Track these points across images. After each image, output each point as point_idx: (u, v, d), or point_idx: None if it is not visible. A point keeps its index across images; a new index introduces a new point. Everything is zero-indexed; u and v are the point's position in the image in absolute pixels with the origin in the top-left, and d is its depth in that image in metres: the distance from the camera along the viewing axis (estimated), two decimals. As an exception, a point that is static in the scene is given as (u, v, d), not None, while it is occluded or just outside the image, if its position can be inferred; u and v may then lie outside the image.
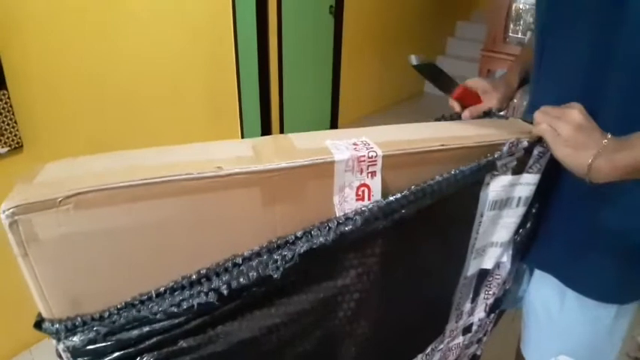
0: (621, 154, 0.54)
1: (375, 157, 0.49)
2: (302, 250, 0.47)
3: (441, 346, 0.70)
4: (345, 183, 0.49)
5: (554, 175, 0.62)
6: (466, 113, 0.75)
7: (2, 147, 1.43)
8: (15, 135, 1.45)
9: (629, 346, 1.77)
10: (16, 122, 1.44)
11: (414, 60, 0.70)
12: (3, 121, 1.41)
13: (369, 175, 0.49)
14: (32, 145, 1.48)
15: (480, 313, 0.73)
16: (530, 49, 0.82)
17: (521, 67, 0.85)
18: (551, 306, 0.75)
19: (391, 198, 0.52)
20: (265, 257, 0.48)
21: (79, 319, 0.47)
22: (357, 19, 3.15)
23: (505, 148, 0.56)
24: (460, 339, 0.73)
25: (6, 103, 1.40)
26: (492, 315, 0.78)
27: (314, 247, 0.48)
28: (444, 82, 0.76)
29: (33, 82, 1.46)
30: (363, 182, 0.50)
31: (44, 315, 0.48)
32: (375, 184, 0.50)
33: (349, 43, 3.08)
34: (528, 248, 0.70)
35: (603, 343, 0.74)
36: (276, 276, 0.47)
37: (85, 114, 1.57)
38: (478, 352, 0.87)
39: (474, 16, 4.53)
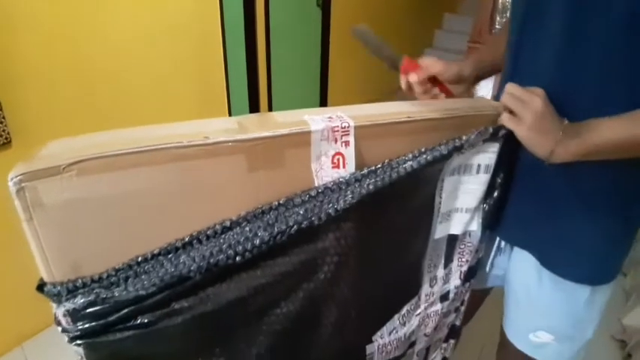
0: (577, 140, 0.60)
1: (348, 127, 0.55)
2: (286, 215, 0.54)
3: (419, 310, 0.76)
4: (321, 151, 0.55)
5: (515, 147, 0.68)
6: (413, 77, 0.77)
7: (-9, 142, 1.47)
8: (3, 130, 1.49)
9: (615, 329, 1.84)
10: (4, 117, 1.47)
11: (355, 31, 0.75)
12: (-9, 117, 1.45)
13: (343, 144, 0.56)
14: (21, 139, 1.52)
15: (455, 281, 0.79)
16: (498, 38, 0.88)
17: (479, 58, 0.87)
18: (529, 282, 0.80)
19: (365, 171, 0.59)
20: (253, 222, 0.54)
21: (79, 280, 0.53)
22: (344, 11, 3.21)
23: (473, 136, 0.63)
24: (438, 306, 0.79)
25: (-6, 98, 1.44)
26: (467, 284, 0.85)
27: (297, 213, 0.54)
28: (386, 55, 0.78)
29: (21, 77, 1.49)
30: (337, 151, 0.56)
31: (46, 279, 0.54)
32: (349, 153, 0.56)
33: (337, 35, 3.13)
34: (498, 218, 0.76)
35: (581, 319, 0.79)
36: (262, 240, 0.53)
37: (75, 108, 1.62)
38: (457, 323, 0.94)
39: (462, 8, 4.62)
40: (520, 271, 0.83)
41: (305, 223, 0.54)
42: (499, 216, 0.77)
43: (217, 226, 0.54)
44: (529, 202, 0.75)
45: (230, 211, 0.54)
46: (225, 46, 2.16)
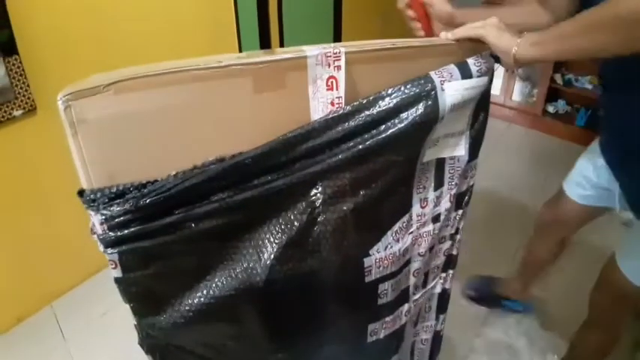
0: (533, 38, 0.77)
1: (339, 53, 0.67)
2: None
3: (411, 229, 0.89)
4: (316, 75, 0.68)
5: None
6: None
7: (17, 110, 1.63)
8: (28, 98, 1.65)
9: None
10: (28, 86, 1.63)
11: None
12: (16, 85, 1.61)
13: (335, 68, 0.68)
14: (46, 107, 1.68)
15: (446, 204, 0.91)
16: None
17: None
18: None
19: (363, 101, 0.71)
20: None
21: (115, 187, 0.66)
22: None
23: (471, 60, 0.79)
24: (430, 227, 0.92)
25: (18, 67, 1.59)
26: (460, 210, 0.97)
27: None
28: None
29: (43, 45, 1.64)
30: (331, 75, 0.68)
31: (86, 187, 0.67)
32: (341, 76, 0.69)
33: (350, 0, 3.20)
34: (480, 143, 0.88)
35: None
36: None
37: (95, 71, 1.76)
38: (454, 252, 1.06)
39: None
40: None
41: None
42: (481, 141, 0.89)
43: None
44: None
45: (239, 128, 0.68)
46: (237, 22, 2.27)
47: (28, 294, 1.87)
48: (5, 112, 1.60)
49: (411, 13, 0.97)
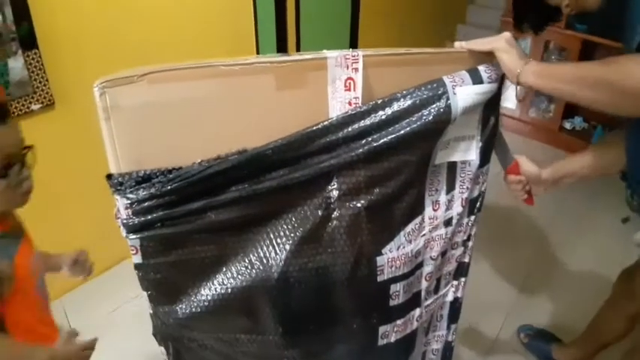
0: (539, 66, 0.82)
1: (357, 55, 0.73)
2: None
3: (424, 232, 0.93)
4: (335, 76, 0.74)
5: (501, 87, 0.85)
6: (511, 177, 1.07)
7: (35, 104, 1.70)
8: (47, 93, 1.71)
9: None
10: (47, 80, 1.70)
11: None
12: (35, 79, 1.67)
13: (353, 70, 0.74)
14: (63, 101, 1.74)
15: (457, 208, 0.96)
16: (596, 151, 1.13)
17: (562, 169, 1.12)
18: None
19: (378, 101, 0.77)
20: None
21: (142, 171, 0.72)
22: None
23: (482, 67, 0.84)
24: (442, 230, 0.96)
25: (37, 62, 1.66)
26: (473, 216, 1.01)
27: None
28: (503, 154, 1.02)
29: (63, 41, 1.70)
30: (349, 76, 0.74)
31: (114, 171, 0.73)
32: (358, 78, 0.74)
33: (367, 6, 3.27)
34: (492, 148, 0.93)
35: None
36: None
37: (114, 70, 1.83)
38: (466, 260, 1.10)
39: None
40: None
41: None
42: (492, 147, 0.94)
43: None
44: None
45: (261, 123, 0.73)
46: (256, 24, 2.34)
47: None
48: (23, 105, 1.66)
49: (512, 177, 1.07)
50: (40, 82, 1.69)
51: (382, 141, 0.76)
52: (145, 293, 0.85)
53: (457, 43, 0.88)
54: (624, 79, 0.73)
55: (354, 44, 3.24)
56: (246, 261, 0.82)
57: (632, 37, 0.78)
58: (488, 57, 0.86)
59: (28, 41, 1.61)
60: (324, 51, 0.75)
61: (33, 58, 1.64)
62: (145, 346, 0.92)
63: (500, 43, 0.84)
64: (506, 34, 0.85)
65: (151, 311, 0.89)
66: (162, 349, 0.96)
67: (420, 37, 3.86)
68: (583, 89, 0.79)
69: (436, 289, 1.09)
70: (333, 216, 0.82)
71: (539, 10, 1.03)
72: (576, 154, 1.20)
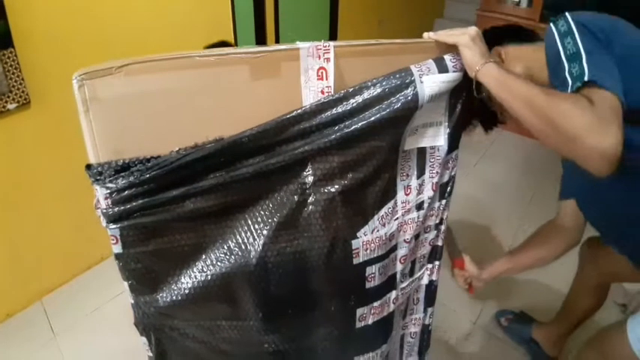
0: (499, 68, 0.84)
1: (328, 46, 0.78)
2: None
3: (397, 216, 0.98)
4: (308, 66, 0.78)
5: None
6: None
7: (11, 103, 1.71)
8: (22, 92, 1.72)
9: (616, 294, 2.04)
10: (23, 79, 1.71)
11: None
12: (11, 79, 1.68)
13: (325, 60, 0.78)
14: (40, 100, 1.75)
15: (428, 192, 1.01)
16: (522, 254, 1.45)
17: (498, 270, 1.46)
18: None
19: (349, 89, 0.81)
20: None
21: (121, 160, 0.75)
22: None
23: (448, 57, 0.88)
24: (414, 214, 1.01)
25: (13, 60, 1.67)
26: (444, 200, 1.07)
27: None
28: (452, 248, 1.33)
29: (39, 39, 1.71)
30: (321, 66, 0.78)
31: (93, 162, 0.76)
32: (330, 67, 0.79)
33: (346, 1, 3.31)
34: (460, 134, 0.98)
35: None
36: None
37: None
38: (439, 243, 1.16)
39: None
40: None
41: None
42: (461, 132, 0.99)
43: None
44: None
45: (237, 112, 0.77)
46: (234, 19, 2.36)
47: (18, 289, 1.92)
48: (-1, 105, 1.67)
49: (457, 271, 1.46)
50: (15, 82, 1.69)
51: (353, 127, 0.81)
52: (126, 287, 0.88)
53: (425, 34, 0.92)
54: (562, 117, 0.76)
55: (333, 39, 3.28)
56: (225, 247, 0.86)
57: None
58: (455, 47, 0.91)
59: (4, 40, 1.61)
60: (297, 42, 0.79)
61: (9, 57, 1.65)
62: (126, 343, 0.94)
63: (464, 39, 0.86)
64: (472, 30, 0.87)
65: (132, 301, 0.91)
66: (144, 339, 0.99)
67: (398, 31, 3.93)
68: (525, 110, 0.81)
69: (411, 272, 1.14)
70: (308, 201, 0.86)
71: (485, 115, 1.16)
72: (512, 252, 1.48)
